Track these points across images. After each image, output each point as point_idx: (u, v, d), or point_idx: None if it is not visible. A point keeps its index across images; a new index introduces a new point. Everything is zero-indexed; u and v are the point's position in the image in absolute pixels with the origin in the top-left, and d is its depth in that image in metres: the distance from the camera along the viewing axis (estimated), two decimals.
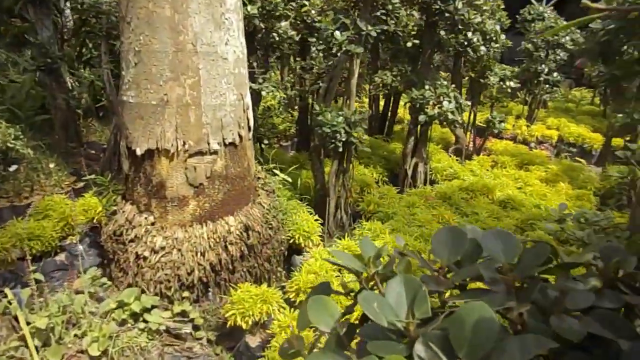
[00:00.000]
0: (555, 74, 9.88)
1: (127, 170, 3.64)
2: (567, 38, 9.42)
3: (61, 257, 4.49)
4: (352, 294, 0.97)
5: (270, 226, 3.91)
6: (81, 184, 6.45)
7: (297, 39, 5.99)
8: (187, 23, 3.23)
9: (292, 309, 3.28)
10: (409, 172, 6.35)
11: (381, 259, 0.98)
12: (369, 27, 4.45)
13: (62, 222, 4.45)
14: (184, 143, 3.40)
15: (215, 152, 3.52)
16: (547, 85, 10.15)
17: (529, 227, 4.97)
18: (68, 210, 4.53)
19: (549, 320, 0.72)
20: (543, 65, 9.59)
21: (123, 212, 3.65)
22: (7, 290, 3.06)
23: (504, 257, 0.85)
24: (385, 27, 4.81)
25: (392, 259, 0.96)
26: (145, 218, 3.55)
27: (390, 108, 8.46)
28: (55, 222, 4.40)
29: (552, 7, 10.42)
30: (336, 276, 3.68)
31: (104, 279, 3.78)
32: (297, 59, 6.29)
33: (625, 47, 4.54)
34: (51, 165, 5.95)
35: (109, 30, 6.10)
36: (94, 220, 4.62)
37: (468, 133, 8.18)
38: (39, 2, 5.89)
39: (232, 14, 3.45)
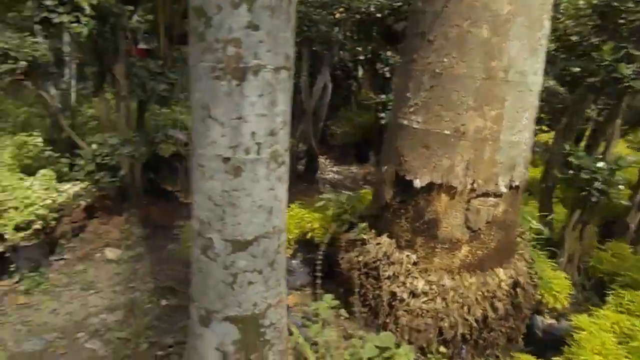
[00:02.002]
0: None
1: (389, 199, 3.33)
2: None
3: None
4: None
5: (533, 283, 3.38)
6: None
7: None
8: (503, 48, 2.82)
9: None
10: (633, 227, 5.43)
11: None
12: None
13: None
14: (473, 181, 2.99)
15: (500, 195, 3.07)
16: None
17: None
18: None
19: None
20: None
21: (378, 244, 3.34)
22: (293, 328, 2.80)
23: None
24: None
25: None
26: (407, 256, 3.21)
27: None
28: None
29: None
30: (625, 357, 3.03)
31: (342, 310, 3.52)
32: None
33: None
34: None
35: None
36: (306, 237, 4.44)
37: None
38: None
39: (545, 39, 2.99)
